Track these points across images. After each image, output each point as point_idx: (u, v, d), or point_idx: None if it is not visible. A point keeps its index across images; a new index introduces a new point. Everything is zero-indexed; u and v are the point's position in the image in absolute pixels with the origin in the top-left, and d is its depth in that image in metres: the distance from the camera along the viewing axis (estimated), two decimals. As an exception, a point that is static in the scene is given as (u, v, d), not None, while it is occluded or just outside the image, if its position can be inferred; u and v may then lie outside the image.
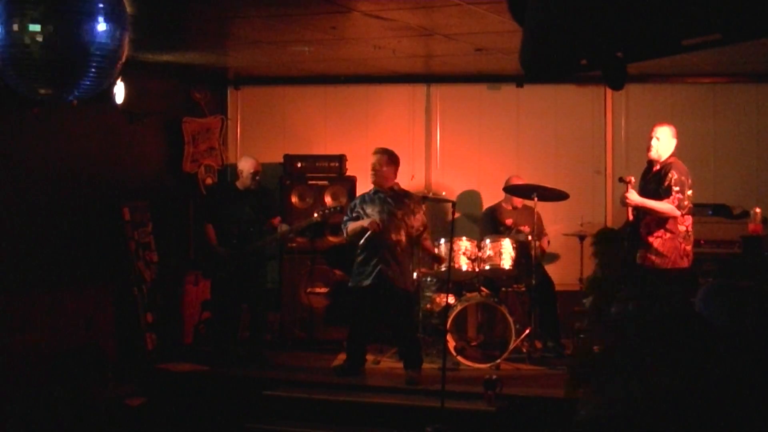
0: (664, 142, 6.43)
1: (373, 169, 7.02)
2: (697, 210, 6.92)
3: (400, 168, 7.23)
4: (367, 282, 6.92)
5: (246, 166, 7.56)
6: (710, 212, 7.64)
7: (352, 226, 7.02)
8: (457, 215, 7.54)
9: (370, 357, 7.48)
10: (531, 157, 8.63)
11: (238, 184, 7.61)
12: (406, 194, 7.14)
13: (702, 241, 7.27)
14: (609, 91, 8.42)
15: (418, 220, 7.06)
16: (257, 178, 7.53)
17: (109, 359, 6.35)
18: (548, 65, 2.06)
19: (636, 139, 7.96)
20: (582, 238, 7.67)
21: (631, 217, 6.47)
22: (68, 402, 3.59)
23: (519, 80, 8.49)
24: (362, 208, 7.04)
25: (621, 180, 6.53)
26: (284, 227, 7.60)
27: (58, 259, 7.09)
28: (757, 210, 7.38)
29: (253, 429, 6.48)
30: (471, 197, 8.68)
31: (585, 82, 8.34)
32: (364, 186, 7.59)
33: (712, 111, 8.41)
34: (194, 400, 6.88)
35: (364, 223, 6.93)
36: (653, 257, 6.33)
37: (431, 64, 8.20)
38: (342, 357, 7.32)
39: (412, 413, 6.33)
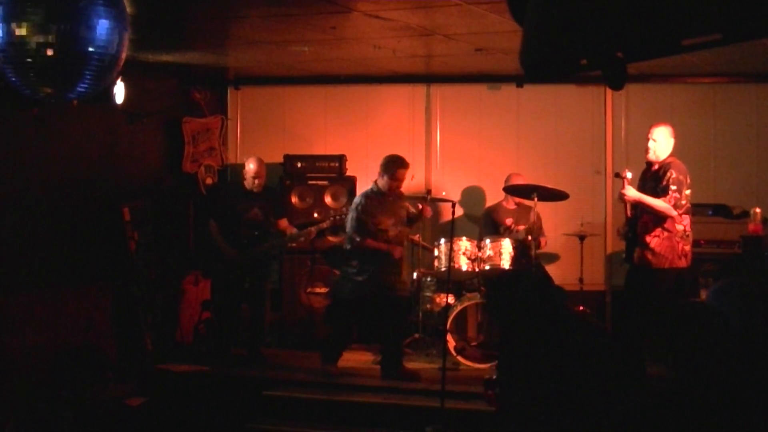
0: (661, 143, 6.41)
1: (404, 181, 7.05)
2: (697, 210, 6.92)
3: (400, 167, 7.23)
4: (364, 291, 6.91)
5: (248, 168, 7.51)
6: (710, 212, 7.64)
7: (374, 245, 6.91)
8: (457, 215, 7.56)
9: (370, 357, 7.47)
10: (531, 157, 8.62)
11: (246, 183, 7.54)
12: (402, 197, 7.18)
13: (702, 241, 7.27)
14: (609, 91, 8.41)
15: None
16: (257, 181, 7.45)
17: (109, 359, 6.35)
18: (548, 65, 2.05)
19: (636, 139, 7.95)
20: (582, 238, 7.68)
21: (629, 214, 6.47)
22: (68, 402, 3.59)
23: (519, 80, 8.48)
24: (374, 215, 6.94)
25: (617, 175, 6.53)
26: (294, 231, 7.53)
27: (58, 259, 7.09)
28: (757, 210, 7.38)
29: (253, 429, 6.48)
30: (471, 197, 8.68)
31: (585, 82, 8.34)
32: (364, 186, 7.57)
33: (712, 111, 8.41)
34: (194, 400, 6.88)
35: (392, 251, 6.89)
36: (650, 256, 6.32)
37: (431, 64, 8.20)
38: (342, 357, 7.30)
39: (412, 413, 6.33)
